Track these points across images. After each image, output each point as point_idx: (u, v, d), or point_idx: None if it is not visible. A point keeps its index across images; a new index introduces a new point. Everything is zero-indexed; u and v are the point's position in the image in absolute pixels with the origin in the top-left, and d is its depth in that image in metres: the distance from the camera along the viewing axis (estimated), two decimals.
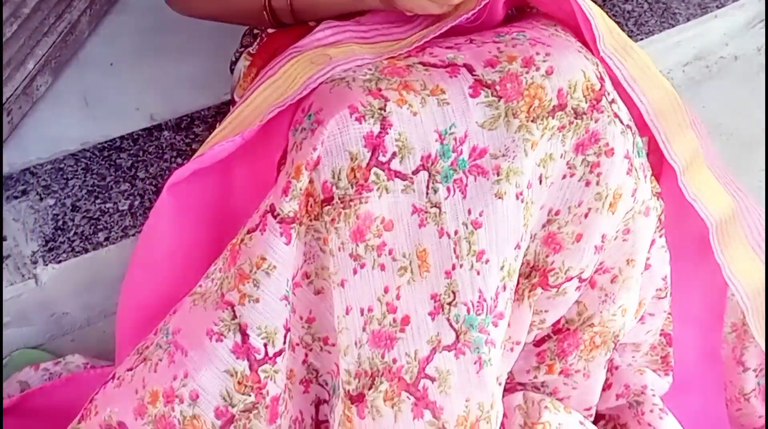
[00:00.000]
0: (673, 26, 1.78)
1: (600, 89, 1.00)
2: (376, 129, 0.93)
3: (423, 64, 1.00)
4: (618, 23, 1.73)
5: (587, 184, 1.00)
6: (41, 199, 1.38)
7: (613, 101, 1.01)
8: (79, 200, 1.38)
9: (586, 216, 1.00)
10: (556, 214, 1.01)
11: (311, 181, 0.95)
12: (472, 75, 0.98)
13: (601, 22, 1.07)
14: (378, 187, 0.94)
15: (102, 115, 1.52)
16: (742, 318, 1.20)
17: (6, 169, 1.42)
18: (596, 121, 0.99)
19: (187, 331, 0.96)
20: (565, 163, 1.00)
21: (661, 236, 1.13)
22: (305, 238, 0.96)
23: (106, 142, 1.47)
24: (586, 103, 0.98)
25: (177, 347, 0.95)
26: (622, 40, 1.11)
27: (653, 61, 1.77)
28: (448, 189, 0.95)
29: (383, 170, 0.94)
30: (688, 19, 1.79)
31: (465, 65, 0.99)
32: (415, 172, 0.95)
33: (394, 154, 0.94)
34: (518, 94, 0.96)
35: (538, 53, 0.99)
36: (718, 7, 1.82)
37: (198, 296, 0.98)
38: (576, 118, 0.98)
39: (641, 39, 1.74)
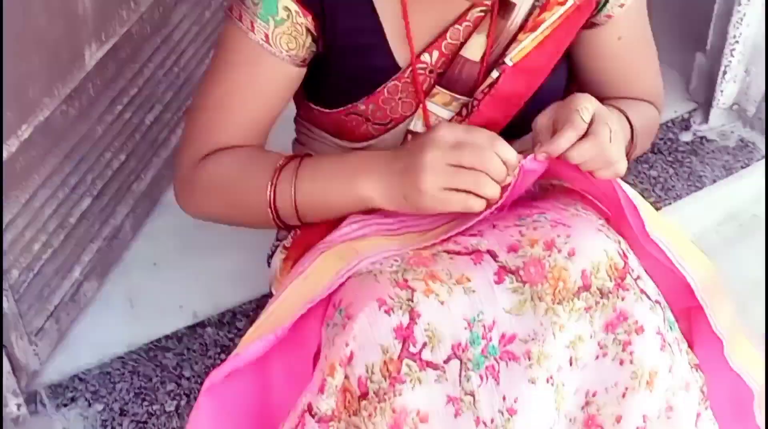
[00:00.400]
0: (700, 189, 1.81)
1: (624, 267, 1.01)
2: (405, 320, 0.95)
3: (447, 252, 1.02)
4: (645, 189, 1.78)
5: (621, 363, 1.00)
6: (89, 405, 1.40)
7: (638, 278, 1.02)
8: (126, 404, 1.41)
9: (623, 396, 1.00)
10: (594, 395, 1.01)
11: (347, 377, 0.96)
12: (496, 261, 1.00)
13: (643, 207, 1.09)
14: (411, 379, 0.95)
15: (147, 315, 1.56)
16: None
17: (56, 377, 1.46)
18: (623, 300, 1.00)
19: None
20: (596, 344, 1.00)
21: (706, 408, 1.11)
22: None
23: (151, 342, 1.51)
24: (611, 281, 1.00)
25: None
26: (663, 221, 1.13)
27: (683, 223, 1.82)
28: (481, 376, 0.96)
29: (415, 361, 0.95)
30: (714, 181, 1.83)
31: (488, 251, 1.01)
32: (447, 360, 0.96)
33: (424, 345, 0.96)
34: (542, 277, 0.98)
35: (559, 235, 1.01)
36: (742, 167, 1.86)
37: None
38: (602, 297, 0.99)
39: (669, 203, 1.78)
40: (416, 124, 1.19)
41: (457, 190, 1.00)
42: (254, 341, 1.03)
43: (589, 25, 1.20)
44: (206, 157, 1.18)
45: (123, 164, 1.62)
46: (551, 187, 1.20)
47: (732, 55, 1.86)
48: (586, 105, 1.02)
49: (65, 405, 1.40)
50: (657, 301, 1.03)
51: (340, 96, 1.19)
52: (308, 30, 1.12)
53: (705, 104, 1.97)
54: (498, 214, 1.09)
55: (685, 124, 1.96)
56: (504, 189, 1.02)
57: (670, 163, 1.87)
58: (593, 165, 1.02)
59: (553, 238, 1.01)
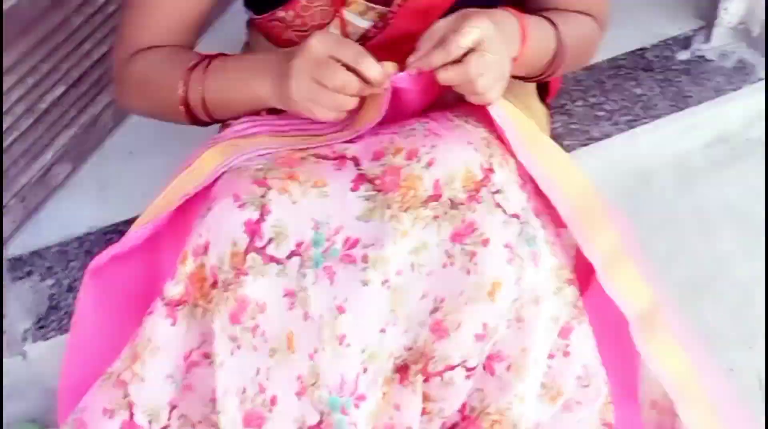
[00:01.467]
0: (683, 109, 1.76)
1: (482, 180, 1.02)
2: (255, 216, 1.00)
3: (316, 155, 1.06)
4: (624, 106, 1.76)
5: (468, 272, 1.02)
6: (42, 280, 1.51)
7: (497, 192, 1.03)
8: (75, 281, 1.51)
9: (465, 304, 1.03)
10: (441, 301, 1.04)
11: (203, 265, 1.02)
12: (357, 168, 1.03)
13: (518, 127, 1.10)
14: (254, 272, 1.00)
15: (114, 201, 1.65)
16: (662, 394, 1.18)
17: (18, 251, 1.57)
18: (474, 211, 1.02)
19: (91, 409, 1.05)
20: (443, 252, 1.02)
21: (581, 324, 1.13)
22: (201, 319, 1.03)
23: (110, 226, 1.61)
24: (464, 193, 1.01)
25: (80, 425, 1.05)
26: (542, 142, 1.13)
27: (666, 143, 1.78)
28: (317, 275, 1.00)
29: (259, 255, 1.00)
30: (700, 102, 1.78)
31: (353, 158, 1.04)
32: (289, 256, 1.00)
33: (270, 240, 1.00)
34: (396, 185, 1.01)
35: (424, 145, 1.03)
36: (733, 90, 1.80)
37: (107, 375, 1.07)
38: (452, 208, 1.01)
39: (647, 122, 1.74)
40: (332, 32, 1.21)
41: (320, 103, 1.03)
42: (136, 228, 1.10)
43: None
44: (133, 56, 1.23)
45: (105, 55, 1.69)
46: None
47: None
48: (471, 28, 1.01)
49: (20, 278, 1.51)
50: (515, 215, 1.04)
51: (264, 2, 1.22)
52: None
53: (711, 23, 1.89)
54: (384, 121, 1.11)
55: (685, 43, 1.90)
56: (379, 100, 1.04)
57: (659, 81, 1.82)
58: (461, 90, 1.04)
59: (418, 148, 1.03)
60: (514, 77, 1.22)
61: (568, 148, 1.68)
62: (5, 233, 1.55)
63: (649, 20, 1.95)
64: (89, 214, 1.63)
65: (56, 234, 1.59)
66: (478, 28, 1.02)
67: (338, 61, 1.02)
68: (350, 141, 1.08)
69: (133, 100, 1.28)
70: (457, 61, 1.01)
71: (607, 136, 1.73)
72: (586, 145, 1.72)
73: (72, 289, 1.49)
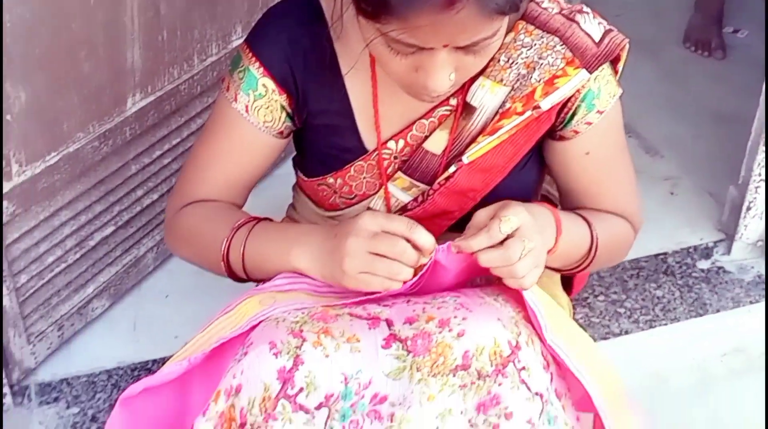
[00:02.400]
0: (701, 316, 1.82)
1: (509, 356, 1.07)
2: (289, 364, 1.05)
3: (351, 314, 1.12)
4: (644, 306, 1.82)
5: None
6: (68, 407, 1.56)
7: (523, 369, 1.08)
8: (99, 412, 1.56)
9: None
10: None
11: (233, 406, 1.06)
12: (390, 329, 1.09)
13: (548, 312, 1.16)
14: (282, 418, 1.04)
15: (145, 340, 1.72)
16: None
17: (48, 378, 1.63)
18: (499, 385, 1.06)
19: None
20: (466, 421, 1.06)
21: None
22: None
23: (139, 363, 1.66)
24: (492, 366, 1.06)
25: None
26: (571, 330, 1.19)
27: (684, 347, 1.82)
28: (343, 427, 1.04)
29: (289, 402, 1.04)
30: (718, 311, 1.84)
31: (386, 320, 1.10)
32: (318, 407, 1.04)
33: (301, 389, 1.05)
34: (426, 350, 1.06)
35: (456, 316, 1.09)
36: (751, 303, 1.86)
37: None
38: (479, 379, 1.06)
39: (665, 324, 1.80)
40: (377, 203, 1.30)
41: (376, 274, 1.10)
42: (171, 364, 1.15)
43: (557, 137, 1.26)
44: (185, 207, 1.32)
45: (155, 202, 1.80)
46: (496, 279, 1.28)
47: (757, 192, 1.88)
48: (511, 216, 1.10)
49: (48, 403, 1.56)
50: (539, 394, 1.09)
51: (315, 168, 1.31)
52: (283, 107, 1.25)
53: (731, 237, 1.98)
54: (417, 292, 1.18)
55: (706, 253, 1.98)
56: (419, 269, 1.12)
57: (679, 286, 1.89)
58: (499, 272, 1.11)
59: (450, 318, 1.09)
60: (547, 267, 1.30)
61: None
62: (39, 358, 1.61)
63: (672, 228, 2.04)
64: (120, 349, 1.69)
65: (87, 365, 1.65)
66: (517, 217, 1.10)
67: (392, 233, 1.10)
68: (384, 305, 1.15)
69: (180, 247, 1.36)
70: (498, 245, 1.09)
71: (627, 332, 1.79)
72: (605, 338, 1.77)
73: (96, 419, 1.54)
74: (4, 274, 1.49)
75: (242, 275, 1.26)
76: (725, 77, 2.57)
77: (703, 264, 1.96)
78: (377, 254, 1.09)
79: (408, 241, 1.09)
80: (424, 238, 1.10)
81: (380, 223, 1.11)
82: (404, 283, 1.13)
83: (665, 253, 1.97)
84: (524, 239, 1.09)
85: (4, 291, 1.49)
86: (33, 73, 1.43)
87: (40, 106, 1.46)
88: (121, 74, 1.60)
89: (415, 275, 1.11)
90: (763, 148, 1.83)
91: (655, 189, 2.15)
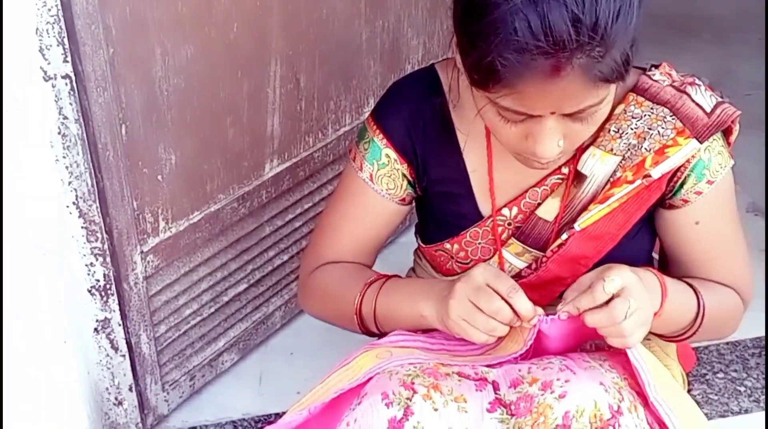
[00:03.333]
0: None
1: (609, 419, 1.10)
2: (399, 415, 1.12)
3: (459, 374, 1.18)
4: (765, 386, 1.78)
5: None
6: None
7: None
8: None
9: None
10: None
11: None
12: (496, 393, 1.14)
13: (652, 371, 1.19)
14: None
15: (269, 393, 1.82)
16: None
17: (179, 424, 1.74)
18: None
19: None
20: None
21: None
22: None
23: (263, 416, 1.75)
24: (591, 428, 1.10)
25: None
26: (673, 389, 1.21)
27: None
28: None
29: None
30: None
31: (492, 382, 1.16)
32: None
33: None
34: (528, 411, 1.11)
35: (558, 379, 1.13)
36: None
37: None
38: None
39: None
40: None
41: (474, 325, 1.16)
42: (292, 413, 1.24)
43: (667, 205, 1.29)
44: (318, 268, 1.41)
45: (285, 263, 1.90)
46: (606, 345, 1.31)
47: None
48: (614, 277, 1.14)
49: None
50: None
51: (433, 234, 1.39)
52: (404, 175, 1.34)
53: None
54: (526, 357, 1.22)
55: None
56: (524, 334, 1.17)
57: None
58: (604, 332, 1.15)
59: (552, 380, 1.13)
60: (653, 334, 1.32)
61: (706, 417, 1.72)
62: (172, 405, 1.72)
63: None
64: (247, 401, 1.79)
65: (214, 414, 1.75)
66: (621, 277, 1.14)
67: (495, 291, 1.16)
68: (491, 365, 1.20)
69: (314, 305, 1.45)
70: (603, 305, 1.13)
71: (746, 411, 1.76)
72: (724, 416, 1.75)
73: None
74: (146, 323, 1.62)
75: (374, 328, 1.33)
76: None
77: None
78: (478, 307, 1.15)
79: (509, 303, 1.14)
80: (523, 304, 1.15)
81: (488, 277, 1.17)
82: (511, 353, 1.18)
83: None
84: (629, 298, 1.12)
85: (144, 339, 1.62)
86: (183, 137, 1.57)
87: (188, 168, 1.60)
88: (261, 141, 1.73)
89: (519, 340, 1.16)
90: None
91: None
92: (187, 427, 1.72)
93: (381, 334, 1.34)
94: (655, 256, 1.44)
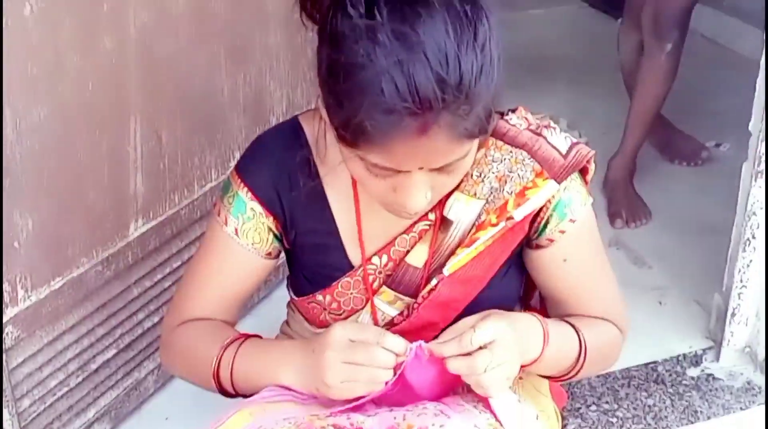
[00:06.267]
0: (692, 423, 1.85)
1: None
2: None
3: (334, 426, 1.16)
4: (636, 415, 1.84)
5: None
6: None
7: None
8: None
9: None
10: None
11: None
12: None
13: (515, 416, 1.20)
14: None
15: None
16: None
17: None
18: None
19: None
20: None
21: None
22: None
23: None
24: None
25: None
26: None
27: None
28: None
29: None
30: (709, 418, 1.86)
31: None
32: None
33: None
34: None
35: (434, 424, 1.13)
36: (741, 410, 1.88)
37: None
38: None
39: None
40: (364, 318, 1.35)
41: (357, 381, 1.15)
42: None
43: (534, 246, 1.32)
44: (180, 325, 1.38)
45: (155, 325, 1.85)
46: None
47: (740, 298, 1.93)
48: (486, 328, 1.15)
49: None
50: None
51: (304, 286, 1.38)
52: (270, 229, 1.32)
53: (719, 344, 2.02)
54: (403, 398, 1.22)
55: (695, 360, 2.02)
56: (397, 367, 1.17)
57: (670, 394, 1.92)
58: (466, 379, 1.17)
59: (427, 426, 1.13)
60: (541, 376, 1.35)
61: None
62: None
63: (661, 337, 2.09)
64: None
65: None
66: (492, 329, 1.16)
67: (364, 343, 1.15)
68: (367, 414, 1.19)
69: (174, 365, 1.41)
70: (469, 354, 1.14)
71: None
72: None
73: None
74: (6, 399, 1.54)
75: (231, 391, 1.31)
76: (707, 188, 2.66)
77: (693, 371, 1.99)
78: (355, 363, 1.14)
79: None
80: (394, 342, 1.16)
81: (351, 333, 1.17)
82: (386, 384, 1.18)
83: (655, 362, 2.01)
84: (495, 351, 1.14)
85: (6, 416, 1.53)
86: (40, 200, 1.51)
87: (47, 233, 1.54)
88: (124, 200, 1.69)
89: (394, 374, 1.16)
90: (743, 256, 1.89)
91: (644, 299, 2.20)
92: None
93: (238, 396, 1.32)
94: None
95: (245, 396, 1.32)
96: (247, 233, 1.32)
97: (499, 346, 1.15)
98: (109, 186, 1.64)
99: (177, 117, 1.76)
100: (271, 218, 1.31)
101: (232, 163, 1.92)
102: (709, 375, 1.98)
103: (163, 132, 1.73)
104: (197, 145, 1.84)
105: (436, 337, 1.34)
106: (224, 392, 1.32)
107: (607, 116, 2.95)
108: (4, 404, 1.54)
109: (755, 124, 1.83)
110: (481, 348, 1.14)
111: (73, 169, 1.56)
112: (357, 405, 1.20)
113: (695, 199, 2.63)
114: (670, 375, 1.97)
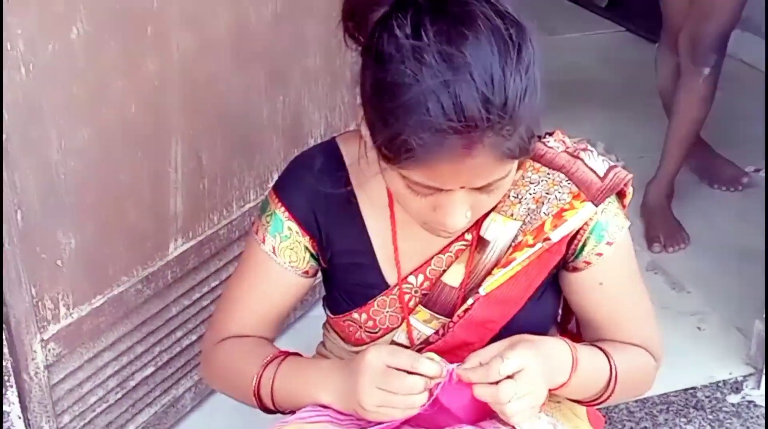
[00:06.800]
0: None
1: None
2: None
3: None
4: None
5: None
6: None
7: None
8: None
9: None
10: None
11: None
12: None
13: None
14: None
15: None
16: None
17: None
18: None
19: None
20: None
21: None
22: None
23: None
24: None
25: None
26: None
27: None
28: None
29: None
30: None
31: None
32: None
33: None
34: None
35: None
36: None
37: None
38: None
39: None
40: (400, 337, 1.36)
41: (393, 407, 1.16)
42: None
43: (571, 268, 1.32)
44: (220, 342, 1.39)
45: (193, 343, 1.87)
46: None
47: None
48: (514, 358, 1.15)
49: None
50: None
51: (340, 305, 1.39)
52: (307, 248, 1.34)
53: (760, 371, 1.99)
54: (440, 421, 1.22)
55: (736, 387, 1.99)
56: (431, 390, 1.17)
57: (710, 421, 1.90)
58: (492, 406, 1.17)
59: None
60: (570, 400, 1.34)
61: None
62: None
63: (700, 363, 2.06)
64: None
65: None
66: (520, 359, 1.16)
67: (398, 369, 1.16)
68: None
69: (215, 381, 1.43)
70: (495, 382, 1.15)
71: None
72: None
73: None
74: (48, 414, 1.56)
75: (272, 407, 1.31)
76: (747, 214, 2.63)
77: (733, 398, 1.97)
78: (390, 391, 1.15)
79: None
80: (428, 368, 1.16)
81: (385, 358, 1.18)
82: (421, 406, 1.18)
83: (694, 388, 1.99)
84: (520, 382, 1.14)
85: None
86: (83, 221, 1.54)
87: (88, 252, 1.57)
88: (164, 221, 1.71)
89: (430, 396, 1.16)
90: None
91: (683, 324, 2.18)
92: None
93: (278, 412, 1.32)
94: None
95: (284, 413, 1.33)
96: (284, 252, 1.33)
97: (525, 376, 1.15)
98: (149, 206, 1.67)
99: (217, 139, 1.78)
100: (308, 237, 1.33)
101: (271, 184, 1.94)
102: (750, 402, 1.95)
103: (204, 153, 1.76)
104: (236, 166, 1.87)
105: None
106: (264, 408, 1.33)
107: (645, 140, 2.94)
108: (45, 419, 1.56)
109: None
110: (508, 377, 1.15)
111: (114, 190, 1.59)
112: (393, 426, 1.21)
113: (734, 224, 2.61)
114: (710, 401, 1.95)
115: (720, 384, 2.00)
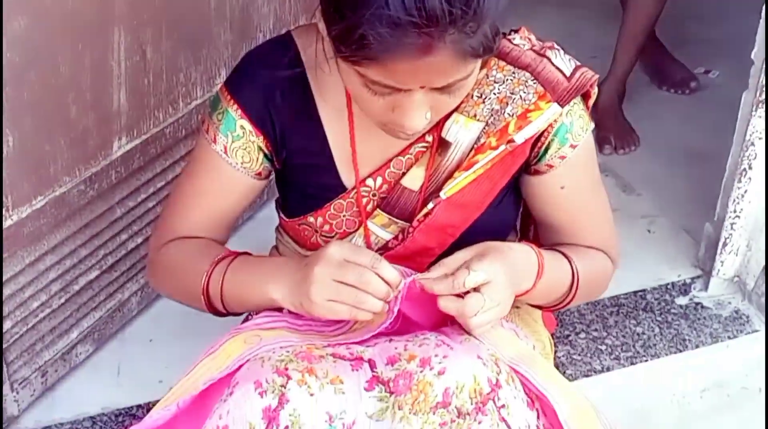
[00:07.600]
0: (681, 351, 1.84)
1: (489, 393, 1.09)
2: (274, 403, 1.07)
3: (334, 355, 1.14)
4: (625, 343, 1.84)
5: None
6: None
7: (503, 407, 1.10)
8: None
9: None
10: None
11: None
12: (373, 371, 1.11)
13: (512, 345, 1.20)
14: None
15: (129, 384, 1.73)
16: None
17: (31, 425, 1.63)
18: (479, 423, 1.08)
19: None
20: None
21: None
22: None
23: (123, 408, 1.66)
24: (472, 404, 1.08)
25: None
26: (538, 360, 1.23)
27: (664, 383, 1.84)
28: None
29: None
30: (698, 346, 1.86)
31: (369, 360, 1.12)
32: None
33: (286, 428, 1.06)
34: (407, 388, 1.08)
35: (437, 355, 1.11)
36: (729, 338, 1.88)
37: None
38: (459, 416, 1.08)
39: (646, 360, 1.82)
40: (357, 241, 1.32)
41: (343, 302, 1.12)
42: (159, 409, 1.16)
43: (533, 171, 1.29)
44: (167, 243, 1.34)
45: (139, 246, 1.81)
46: None
47: (732, 228, 1.91)
48: (480, 271, 1.12)
49: None
50: None
51: (296, 208, 1.34)
52: (260, 148, 1.28)
53: (708, 273, 2.01)
54: (400, 328, 1.19)
55: (684, 289, 2.01)
56: (390, 303, 1.14)
57: (658, 322, 1.91)
58: (456, 318, 1.15)
59: (430, 357, 1.10)
60: (531, 305, 1.33)
61: (570, 378, 1.76)
62: (23, 405, 1.61)
63: (650, 265, 2.07)
64: (105, 395, 1.69)
65: (70, 411, 1.65)
66: (487, 272, 1.13)
67: (357, 265, 1.12)
68: (367, 344, 1.16)
69: (162, 283, 1.38)
70: (460, 294, 1.12)
71: (608, 369, 1.81)
72: (588, 376, 1.79)
73: None
74: None
75: (221, 309, 1.27)
76: (697, 116, 2.62)
77: (682, 300, 1.98)
78: (344, 283, 1.11)
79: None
80: (388, 271, 1.13)
81: (346, 253, 1.14)
82: (380, 323, 1.15)
83: (644, 290, 2.00)
84: (486, 295, 1.12)
85: None
86: (22, 116, 1.45)
87: (28, 150, 1.48)
88: (108, 118, 1.63)
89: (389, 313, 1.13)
90: (738, 186, 1.87)
91: (633, 227, 2.18)
92: (40, 427, 1.61)
93: (228, 315, 1.29)
94: None
95: (234, 314, 1.29)
96: (236, 152, 1.28)
97: (492, 288, 1.13)
98: (91, 102, 1.58)
99: (162, 31, 1.68)
100: (261, 137, 1.27)
101: (218, 81, 1.87)
102: (697, 304, 1.97)
103: (148, 47, 1.66)
104: (182, 61, 1.77)
105: (431, 264, 1.32)
106: (213, 310, 1.29)
107: (598, 40, 2.88)
108: None
109: (758, 53, 1.78)
110: (474, 289, 1.12)
111: (54, 83, 1.49)
112: (348, 342, 1.18)
113: (684, 126, 2.60)
114: (659, 303, 1.96)
115: (669, 286, 2.01)
